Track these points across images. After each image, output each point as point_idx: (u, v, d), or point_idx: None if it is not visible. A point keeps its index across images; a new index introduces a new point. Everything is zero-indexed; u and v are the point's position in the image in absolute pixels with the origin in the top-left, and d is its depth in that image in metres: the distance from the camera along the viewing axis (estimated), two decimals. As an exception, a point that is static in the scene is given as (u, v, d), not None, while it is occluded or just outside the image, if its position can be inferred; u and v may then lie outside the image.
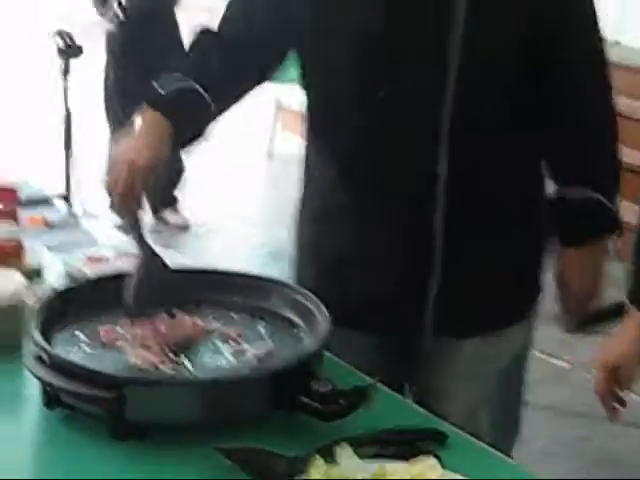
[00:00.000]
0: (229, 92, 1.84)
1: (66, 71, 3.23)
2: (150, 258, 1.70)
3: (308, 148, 1.97)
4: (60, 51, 3.25)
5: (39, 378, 1.48)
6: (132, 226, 1.70)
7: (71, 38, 3.24)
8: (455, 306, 1.82)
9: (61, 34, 3.27)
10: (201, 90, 1.76)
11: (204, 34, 1.87)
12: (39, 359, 1.50)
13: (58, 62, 3.24)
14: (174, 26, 5.74)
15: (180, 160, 6.05)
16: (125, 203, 1.66)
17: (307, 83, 1.89)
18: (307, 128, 1.94)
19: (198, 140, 1.82)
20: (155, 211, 5.96)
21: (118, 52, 5.54)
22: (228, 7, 1.88)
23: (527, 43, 1.73)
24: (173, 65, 1.83)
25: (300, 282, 1.92)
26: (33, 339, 1.53)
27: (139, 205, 1.69)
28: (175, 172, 6.02)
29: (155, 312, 1.67)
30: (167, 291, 1.68)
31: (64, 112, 3.37)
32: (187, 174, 5.98)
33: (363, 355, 1.81)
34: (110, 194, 1.66)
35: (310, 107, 1.91)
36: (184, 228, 5.83)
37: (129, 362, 1.57)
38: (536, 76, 1.76)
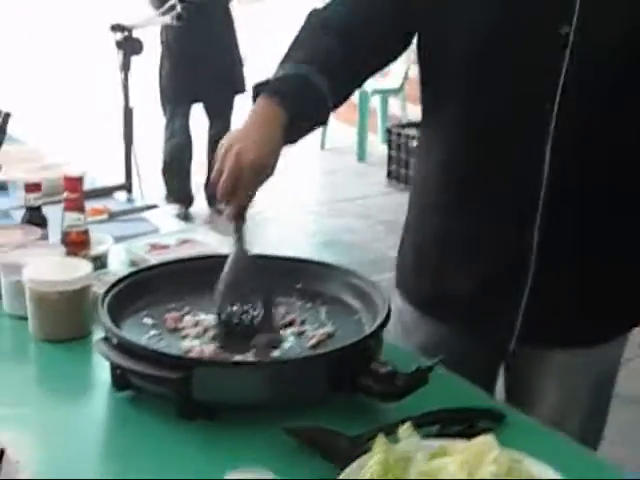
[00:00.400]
0: (346, 81, 1.75)
1: (126, 66, 3.27)
2: (243, 254, 1.67)
3: (419, 140, 1.96)
4: (119, 44, 3.29)
5: (109, 360, 1.53)
6: (234, 220, 1.65)
7: (129, 31, 3.28)
8: (546, 317, 1.78)
9: (118, 27, 3.32)
10: (319, 77, 1.67)
11: (317, 18, 1.79)
12: (109, 342, 1.55)
13: (118, 56, 3.29)
14: (229, 17, 5.81)
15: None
16: (228, 196, 1.60)
17: (422, 76, 1.84)
18: (421, 120, 1.90)
19: (310, 133, 1.73)
20: (211, 203, 6.04)
21: (173, 44, 5.61)
22: None
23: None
24: (288, 52, 1.74)
25: (401, 279, 1.95)
26: (103, 323, 1.58)
27: (244, 200, 1.61)
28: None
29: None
30: (258, 285, 1.67)
31: (124, 106, 3.42)
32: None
33: (451, 353, 1.71)
34: (216, 184, 1.60)
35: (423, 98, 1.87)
36: (240, 218, 5.89)
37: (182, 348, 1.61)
38: None
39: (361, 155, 7.68)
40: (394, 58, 1.82)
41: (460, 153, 1.78)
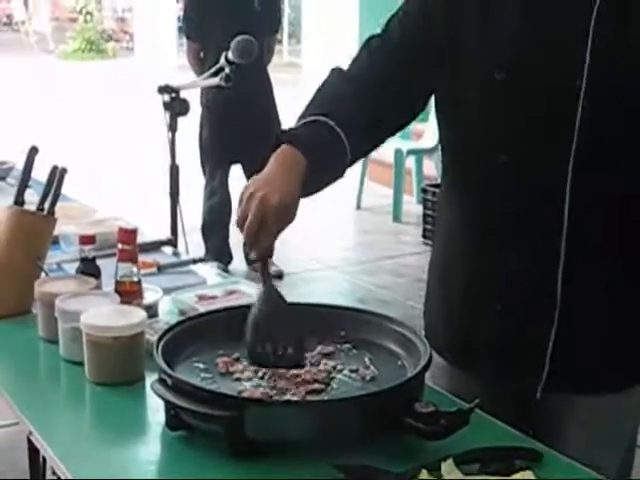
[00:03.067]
0: (365, 134, 1.79)
1: (173, 126, 3.37)
2: (272, 294, 1.73)
3: (439, 198, 2.01)
4: (166, 105, 3.40)
5: (164, 400, 1.61)
6: (259, 263, 1.71)
7: (176, 92, 3.39)
8: (572, 361, 1.79)
9: (166, 89, 3.42)
10: (337, 128, 1.71)
11: (338, 75, 1.84)
12: (164, 383, 1.63)
13: (165, 117, 3.39)
14: (267, 80, 5.93)
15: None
16: (253, 239, 1.63)
17: (441, 129, 1.90)
18: (442, 179, 1.97)
19: (326, 185, 1.76)
20: (250, 262, 6.12)
21: (213, 106, 5.74)
22: (362, 50, 1.85)
23: None
24: (308, 105, 1.78)
25: (429, 331, 1.98)
26: (158, 365, 1.66)
27: (269, 242, 1.65)
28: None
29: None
30: (288, 326, 1.73)
31: (170, 164, 3.51)
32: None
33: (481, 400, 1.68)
34: (241, 229, 1.65)
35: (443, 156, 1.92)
36: (278, 277, 5.95)
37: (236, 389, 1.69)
38: None
39: (397, 215, 7.75)
40: (413, 117, 1.86)
41: (480, 204, 1.82)
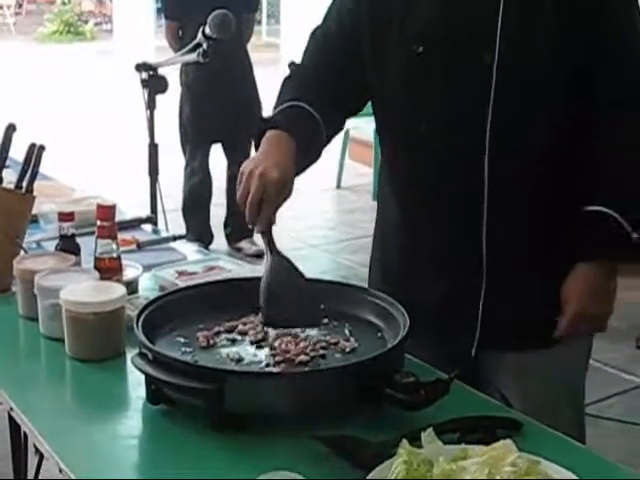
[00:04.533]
0: (330, 115, 1.91)
1: (151, 104, 3.35)
2: (282, 263, 1.76)
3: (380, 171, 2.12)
4: (144, 83, 3.37)
5: (145, 374, 1.61)
6: (264, 235, 1.76)
7: (154, 70, 3.36)
8: (500, 319, 1.88)
9: (144, 66, 3.40)
10: (310, 109, 1.87)
11: (295, 68, 2.01)
12: (144, 357, 1.63)
13: (143, 95, 3.37)
14: (247, 58, 5.91)
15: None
16: (256, 212, 1.72)
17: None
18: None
19: (308, 166, 1.89)
20: (231, 241, 6.12)
21: (193, 84, 5.71)
22: (309, 41, 2.02)
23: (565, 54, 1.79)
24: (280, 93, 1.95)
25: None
26: (139, 340, 1.66)
27: (270, 215, 1.73)
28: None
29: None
30: (301, 296, 1.76)
31: (149, 143, 3.50)
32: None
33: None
34: (243, 206, 1.72)
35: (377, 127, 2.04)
36: (259, 256, 5.95)
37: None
38: (580, 86, 1.81)
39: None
40: (364, 100, 2.00)
41: (408, 180, 1.95)
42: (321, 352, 1.74)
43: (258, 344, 1.77)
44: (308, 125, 1.87)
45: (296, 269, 1.76)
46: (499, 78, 1.78)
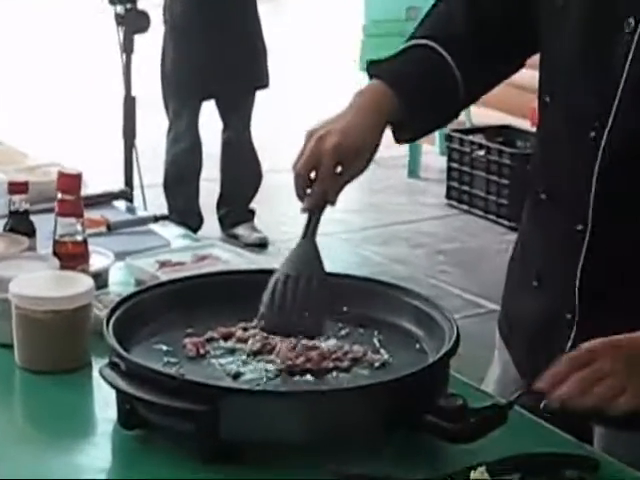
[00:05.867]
0: (477, 59, 1.88)
1: (128, 47, 3.36)
2: (309, 252, 1.78)
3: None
4: (119, 19, 3.37)
5: (117, 389, 1.61)
6: (308, 211, 1.77)
7: (132, 2, 3.36)
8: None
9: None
10: (447, 55, 1.83)
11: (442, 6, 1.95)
12: (116, 368, 1.63)
13: (118, 34, 3.38)
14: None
15: (258, 164, 6.20)
16: (304, 185, 1.74)
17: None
18: None
19: (436, 128, 1.91)
20: (226, 226, 6.12)
21: (180, 23, 5.70)
22: None
23: None
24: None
25: None
26: (109, 346, 1.66)
27: (325, 190, 1.74)
28: (251, 180, 6.15)
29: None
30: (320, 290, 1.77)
31: (125, 96, 3.50)
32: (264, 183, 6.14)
33: None
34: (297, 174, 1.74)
35: None
36: (261, 245, 5.96)
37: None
38: None
39: (413, 169, 7.75)
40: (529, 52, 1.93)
41: None
42: (345, 364, 1.74)
43: (261, 355, 1.78)
44: (429, 72, 1.84)
45: (321, 263, 1.78)
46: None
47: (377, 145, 1.79)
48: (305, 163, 1.72)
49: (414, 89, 1.81)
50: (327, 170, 1.72)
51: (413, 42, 1.87)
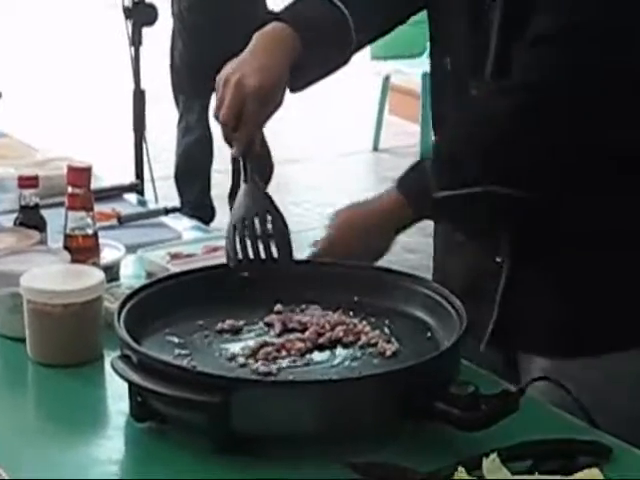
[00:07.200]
0: (371, 7, 1.93)
1: (136, 40, 3.36)
2: (255, 189, 1.84)
3: None
4: (127, 12, 3.38)
5: (129, 382, 1.61)
6: (241, 157, 1.83)
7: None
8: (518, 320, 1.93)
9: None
10: (339, 2, 1.85)
11: None
12: (128, 361, 1.63)
13: (127, 27, 3.38)
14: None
15: (269, 156, 6.19)
16: (232, 130, 1.77)
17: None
18: None
19: (327, 73, 1.91)
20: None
21: (188, 16, 5.69)
22: None
23: None
24: None
25: None
26: (120, 339, 1.67)
27: (251, 133, 1.78)
28: (263, 169, 6.14)
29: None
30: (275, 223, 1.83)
31: (134, 90, 3.50)
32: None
33: None
34: (217, 120, 1.78)
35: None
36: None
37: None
38: None
39: (425, 157, 7.72)
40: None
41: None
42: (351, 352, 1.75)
43: (275, 347, 1.77)
44: (325, 17, 1.87)
45: (269, 198, 1.84)
46: None
47: (286, 80, 1.82)
48: (229, 111, 1.75)
49: (312, 27, 1.84)
50: (252, 114, 1.76)
51: None
